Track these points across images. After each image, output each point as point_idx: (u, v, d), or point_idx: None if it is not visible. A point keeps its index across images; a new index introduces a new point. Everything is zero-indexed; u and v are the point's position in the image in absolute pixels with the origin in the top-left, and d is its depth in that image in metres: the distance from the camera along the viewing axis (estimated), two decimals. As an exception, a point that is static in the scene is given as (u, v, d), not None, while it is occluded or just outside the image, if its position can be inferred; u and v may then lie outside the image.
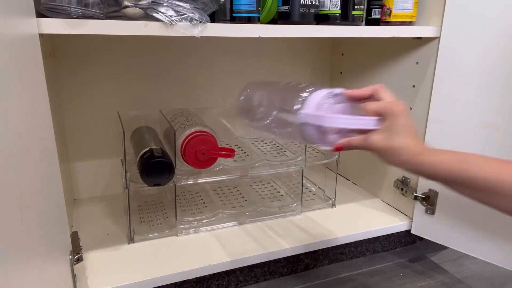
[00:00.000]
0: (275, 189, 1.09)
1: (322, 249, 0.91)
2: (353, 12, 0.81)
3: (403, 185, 0.98)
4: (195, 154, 0.80)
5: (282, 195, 1.05)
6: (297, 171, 0.97)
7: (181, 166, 0.83)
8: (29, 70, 0.52)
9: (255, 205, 0.97)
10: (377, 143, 0.52)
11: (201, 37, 0.67)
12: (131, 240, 0.83)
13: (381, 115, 0.53)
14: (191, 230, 0.87)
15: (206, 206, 0.97)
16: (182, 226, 0.87)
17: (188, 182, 0.85)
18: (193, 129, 0.82)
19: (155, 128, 0.96)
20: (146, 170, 0.75)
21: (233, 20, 0.72)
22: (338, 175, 1.22)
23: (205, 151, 0.80)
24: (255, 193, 1.06)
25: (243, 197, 1.03)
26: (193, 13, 0.66)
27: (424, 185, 0.91)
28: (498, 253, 0.81)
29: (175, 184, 0.83)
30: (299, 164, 0.93)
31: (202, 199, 1.01)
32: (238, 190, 1.07)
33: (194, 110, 0.99)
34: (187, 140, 0.80)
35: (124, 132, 0.80)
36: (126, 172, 0.79)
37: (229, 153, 0.80)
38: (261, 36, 0.73)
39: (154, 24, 0.65)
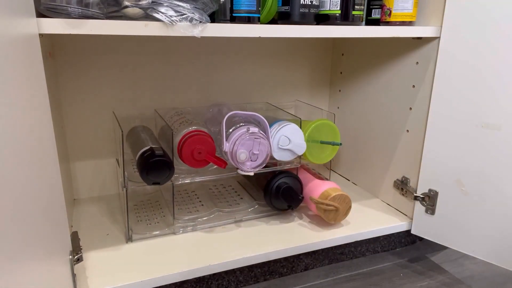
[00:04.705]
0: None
1: (322, 249, 0.92)
2: (353, 12, 0.81)
3: (403, 185, 0.98)
4: (191, 153, 0.80)
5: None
6: (293, 169, 0.97)
7: (177, 165, 0.83)
8: (29, 70, 0.52)
9: (250, 203, 0.98)
10: None
11: (201, 37, 0.68)
12: (129, 239, 0.83)
13: None
14: (189, 228, 0.88)
15: (202, 205, 0.97)
16: (179, 225, 0.87)
17: (186, 181, 0.85)
18: (190, 128, 0.82)
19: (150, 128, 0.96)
20: (146, 169, 0.75)
21: (233, 20, 0.72)
22: (338, 175, 1.22)
23: (201, 151, 0.80)
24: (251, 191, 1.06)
25: (238, 195, 1.03)
26: (193, 13, 0.66)
27: (424, 185, 0.91)
28: (498, 253, 0.81)
29: (172, 183, 0.83)
30: (295, 162, 0.93)
31: (197, 198, 1.01)
32: (233, 189, 1.07)
33: (190, 109, 0.99)
34: (184, 139, 0.80)
35: (122, 131, 0.80)
36: (124, 171, 0.79)
37: (221, 163, 0.80)
38: (261, 36, 0.73)
39: (154, 24, 0.65)
